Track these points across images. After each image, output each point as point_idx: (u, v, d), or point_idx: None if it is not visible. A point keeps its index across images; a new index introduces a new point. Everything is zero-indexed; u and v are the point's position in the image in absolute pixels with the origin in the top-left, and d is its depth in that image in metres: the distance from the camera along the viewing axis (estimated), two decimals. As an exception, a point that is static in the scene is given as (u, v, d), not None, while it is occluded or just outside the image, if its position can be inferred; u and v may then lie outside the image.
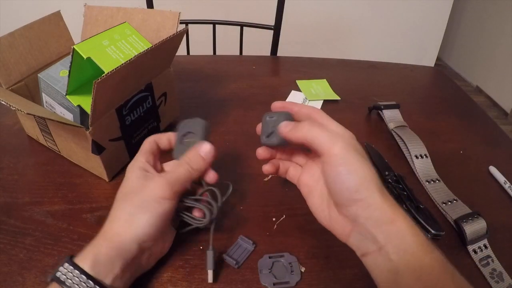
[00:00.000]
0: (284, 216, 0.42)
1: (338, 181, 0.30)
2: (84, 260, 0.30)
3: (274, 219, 0.42)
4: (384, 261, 0.28)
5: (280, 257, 0.37)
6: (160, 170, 0.38)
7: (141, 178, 0.34)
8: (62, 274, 0.29)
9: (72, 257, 0.31)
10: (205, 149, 0.36)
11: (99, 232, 0.33)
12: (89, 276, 0.29)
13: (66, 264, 0.29)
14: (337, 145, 0.30)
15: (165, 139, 0.39)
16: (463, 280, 0.27)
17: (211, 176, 0.37)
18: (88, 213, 0.42)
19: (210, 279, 0.35)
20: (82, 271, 0.29)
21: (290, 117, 0.35)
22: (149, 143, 0.38)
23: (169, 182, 0.34)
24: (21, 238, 0.39)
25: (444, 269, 0.27)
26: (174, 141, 0.39)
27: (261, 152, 0.38)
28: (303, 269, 0.37)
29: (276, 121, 0.35)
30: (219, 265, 0.37)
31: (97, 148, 0.42)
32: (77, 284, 0.28)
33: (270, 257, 0.37)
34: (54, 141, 0.48)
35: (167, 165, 0.39)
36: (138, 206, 0.33)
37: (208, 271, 0.35)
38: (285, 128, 0.34)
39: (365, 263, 0.30)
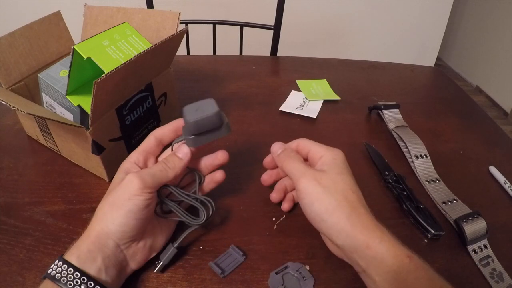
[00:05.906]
0: (284, 216, 0.42)
1: (305, 211, 0.34)
2: (71, 255, 0.31)
3: (274, 219, 0.42)
4: (370, 282, 0.30)
5: (285, 268, 0.36)
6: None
7: (122, 175, 0.35)
8: (53, 270, 0.30)
9: (63, 255, 0.32)
10: (183, 151, 0.37)
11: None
12: (76, 269, 0.30)
13: (57, 261, 0.31)
14: (302, 179, 0.34)
15: (169, 133, 0.38)
16: None
17: (218, 176, 0.39)
18: (88, 213, 0.42)
19: (157, 269, 0.35)
20: (70, 264, 0.30)
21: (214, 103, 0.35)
22: (148, 142, 0.37)
23: (141, 177, 0.32)
24: (21, 238, 0.39)
25: (431, 286, 0.28)
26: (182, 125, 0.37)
27: (267, 178, 0.42)
28: (307, 267, 0.37)
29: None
30: (206, 272, 0.36)
31: (97, 148, 0.42)
32: (65, 277, 0.29)
33: (276, 273, 0.36)
34: (54, 141, 0.48)
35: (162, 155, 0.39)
36: (110, 204, 0.33)
37: (161, 260, 0.35)
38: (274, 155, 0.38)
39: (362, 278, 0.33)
